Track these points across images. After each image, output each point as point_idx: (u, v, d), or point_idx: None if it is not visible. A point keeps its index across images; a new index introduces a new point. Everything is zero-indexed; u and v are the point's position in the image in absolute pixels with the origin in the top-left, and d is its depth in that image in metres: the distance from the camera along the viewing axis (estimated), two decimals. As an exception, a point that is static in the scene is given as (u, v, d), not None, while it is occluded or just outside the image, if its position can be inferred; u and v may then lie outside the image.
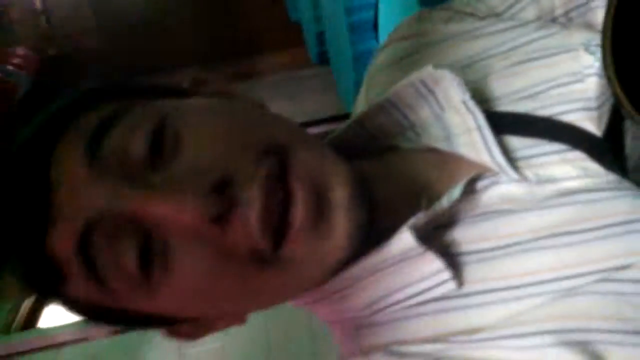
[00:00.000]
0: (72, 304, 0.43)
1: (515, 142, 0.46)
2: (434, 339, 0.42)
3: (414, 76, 0.49)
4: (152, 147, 0.39)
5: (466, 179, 0.44)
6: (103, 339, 2.09)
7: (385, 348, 0.44)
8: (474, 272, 0.43)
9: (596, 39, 0.46)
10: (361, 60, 1.74)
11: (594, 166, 0.44)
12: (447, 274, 0.42)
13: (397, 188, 0.49)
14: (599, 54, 0.39)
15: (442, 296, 0.43)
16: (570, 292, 0.40)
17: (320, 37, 2.43)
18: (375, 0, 1.63)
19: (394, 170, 0.51)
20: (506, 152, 0.45)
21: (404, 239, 0.42)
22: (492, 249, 0.43)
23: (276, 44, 3.46)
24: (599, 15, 0.51)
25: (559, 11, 0.56)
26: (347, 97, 2.05)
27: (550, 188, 0.43)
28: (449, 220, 0.45)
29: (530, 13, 0.56)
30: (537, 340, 0.39)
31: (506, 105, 0.49)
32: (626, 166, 0.42)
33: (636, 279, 0.39)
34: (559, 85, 0.47)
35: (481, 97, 0.49)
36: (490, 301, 0.42)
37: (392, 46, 0.61)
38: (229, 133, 0.41)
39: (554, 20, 0.56)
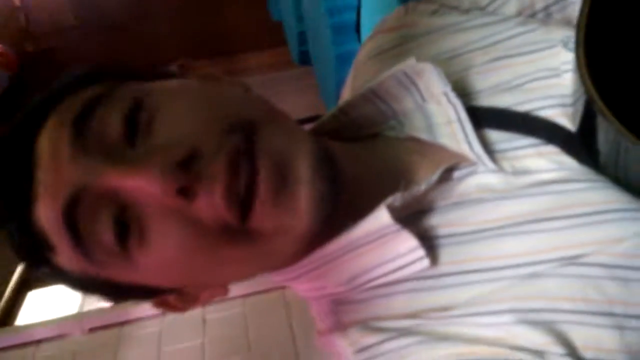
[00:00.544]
0: (61, 274, 0.45)
1: (493, 135, 0.48)
2: (408, 316, 0.44)
3: (397, 67, 0.50)
4: (128, 126, 0.42)
5: (444, 166, 0.46)
6: (81, 335, 2.08)
7: (362, 323, 0.46)
8: (448, 254, 0.45)
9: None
10: (343, 62, 1.74)
11: (567, 160, 0.45)
12: (421, 252, 0.44)
13: (374, 170, 0.51)
14: None
15: (417, 276, 0.45)
16: (537, 275, 0.42)
17: (302, 37, 2.42)
18: (358, 2, 1.64)
19: (374, 154, 0.53)
20: (485, 144, 0.47)
21: (380, 217, 0.43)
22: (466, 233, 0.45)
23: (257, 44, 3.45)
24: (577, 11, 0.54)
25: (538, 6, 0.58)
26: (329, 98, 2.05)
27: (525, 179, 0.45)
28: (426, 206, 0.47)
29: (511, 7, 0.58)
30: (504, 318, 0.41)
31: (485, 99, 0.50)
32: (598, 160, 0.43)
33: (601, 264, 0.41)
34: (536, 79, 0.49)
35: (462, 91, 0.50)
36: (463, 282, 0.44)
37: (378, 37, 0.62)
38: (200, 110, 0.44)
39: (533, 15, 0.58)
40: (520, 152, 0.47)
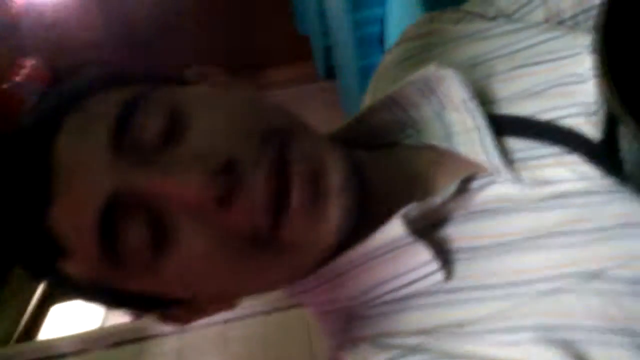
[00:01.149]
0: (66, 281, 0.44)
1: (514, 144, 0.47)
2: (420, 332, 0.42)
3: (417, 74, 0.49)
4: (164, 132, 0.42)
5: (462, 176, 0.44)
6: (103, 350, 2.09)
7: (372, 339, 0.44)
8: (464, 268, 0.43)
9: None
10: (367, 74, 1.73)
11: (589, 170, 0.43)
12: (435, 265, 0.43)
13: (392, 179, 0.50)
14: None
15: (430, 290, 0.44)
16: (556, 291, 0.39)
17: (328, 52, 2.43)
18: (382, 15, 1.62)
19: (391, 163, 0.52)
20: (504, 153, 0.46)
21: (394, 227, 0.43)
22: (484, 247, 0.43)
23: (284, 58, 3.46)
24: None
25: (566, 14, 0.56)
26: (352, 112, 2.04)
27: (545, 190, 0.44)
28: (442, 217, 0.45)
29: (539, 15, 0.57)
30: (519, 336, 0.38)
31: (507, 107, 0.49)
32: (623, 170, 0.41)
33: (623, 279, 0.38)
34: (560, 85, 0.47)
35: (483, 98, 0.49)
36: (478, 297, 0.42)
37: (401, 46, 0.62)
38: (233, 119, 0.44)
39: (561, 22, 0.56)
40: (541, 162, 0.45)
